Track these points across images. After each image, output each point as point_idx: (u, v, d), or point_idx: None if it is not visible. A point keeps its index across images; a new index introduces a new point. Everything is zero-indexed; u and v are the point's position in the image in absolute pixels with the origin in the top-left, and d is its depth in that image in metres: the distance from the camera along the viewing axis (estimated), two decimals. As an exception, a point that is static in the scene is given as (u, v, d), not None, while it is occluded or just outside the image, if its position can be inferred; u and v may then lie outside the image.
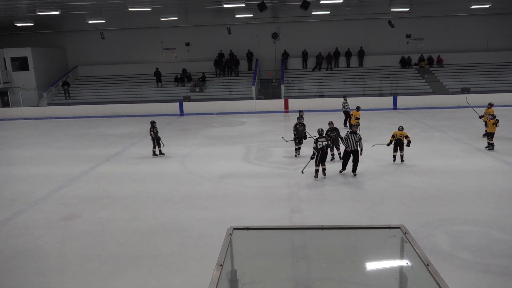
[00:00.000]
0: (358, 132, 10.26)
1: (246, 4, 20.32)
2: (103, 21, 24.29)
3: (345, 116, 17.65)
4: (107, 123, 21.35)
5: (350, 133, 10.14)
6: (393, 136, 11.46)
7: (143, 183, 10.70)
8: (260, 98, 25.17)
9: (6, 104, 25.96)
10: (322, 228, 3.66)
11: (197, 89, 25.83)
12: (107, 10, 22.07)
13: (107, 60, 28.53)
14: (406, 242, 3.27)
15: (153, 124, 13.28)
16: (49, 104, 25.57)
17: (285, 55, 27.23)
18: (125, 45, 28.19)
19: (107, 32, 25.85)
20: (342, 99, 18.17)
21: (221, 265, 2.92)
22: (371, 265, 3.70)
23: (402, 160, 11.52)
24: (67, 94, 26.36)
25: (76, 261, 6.66)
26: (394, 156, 11.54)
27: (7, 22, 24.18)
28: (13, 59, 26.83)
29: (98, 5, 19.99)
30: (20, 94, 25.58)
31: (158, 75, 26.41)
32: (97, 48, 28.10)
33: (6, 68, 26.68)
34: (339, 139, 11.63)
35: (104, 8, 21.25)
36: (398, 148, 11.45)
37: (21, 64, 26.98)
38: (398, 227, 3.46)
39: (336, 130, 11.90)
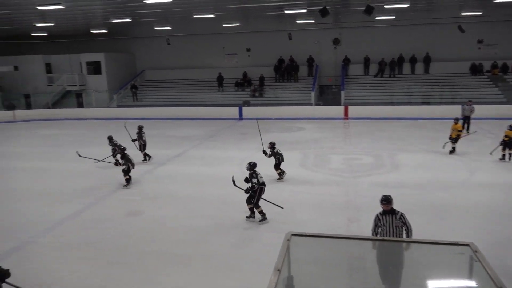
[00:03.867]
0: (396, 210, 5.44)
1: (307, 10, 20.24)
2: (169, 28, 25.37)
3: (464, 121, 17.34)
4: (170, 125, 22.20)
5: (382, 214, 5.45)
6: (506, 136, 11.86)
7: (202, 184, 10.97)
8: (319, 104, 24.87)
9: (80, 105, 27.92)
10: (383, 239, 3.51)
11: (257, 94, 26.09)
12: (173, 17, 23.01)
13: (172, 65, 29.73)
14: (476, 261, 3.03)
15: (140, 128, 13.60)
16: (118, 106, 27.12)
17: (346, 61, 26.70)
18: (189, 50, 29.18)
19: (173, 38, 26.95)
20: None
21: (278, 270, 2.89)
22: (436, 283, 3.47)
23: (510, 159, 11.99)
24: (135, 97, 27.85)
25: (135, 255, 6.95)
26: (503, 155, 12.06)
27: (84, 29, 26.04)
28: (88, 64, 28.84)
29: (165, 12, 20.91)
30: (93, 96, 27.44)
31: (220, 79, 27.06)
32: (163, 54, 29.38)
33: (82, 72, 28.76)
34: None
35: (170, 15, 22.19)
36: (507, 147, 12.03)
37: (95, 68, 28.93)
38: (467, 245, 3.22)
39: (252, 168, 8.15)
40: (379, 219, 5.45)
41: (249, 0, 18.23)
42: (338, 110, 23.11)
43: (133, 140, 13.70)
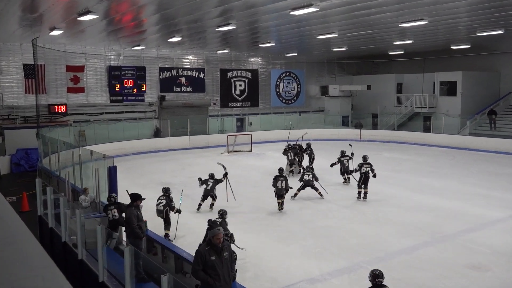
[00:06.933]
0: None
1: None
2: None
3: None
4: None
5: None
6: None
7: None
8: None
9: (427, 129, 27.85)
10: None
11: None
12: None
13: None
14: None
15: None
16: (470, 134, 25.24)
17: None
18: None
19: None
20: None
21: None
22: None
23: None
24: (492, 125, 25.25)
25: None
26: None
27: (444, 45, 25.65)
28: (442, 83, 28.48)
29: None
30: (443, 120, 26.41)
31: None
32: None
33: (433, 93, 28.67)
34: None
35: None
36: None
37: (449, 89, 28.23)
38: None
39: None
40: None
41: None
42: None
43: None
